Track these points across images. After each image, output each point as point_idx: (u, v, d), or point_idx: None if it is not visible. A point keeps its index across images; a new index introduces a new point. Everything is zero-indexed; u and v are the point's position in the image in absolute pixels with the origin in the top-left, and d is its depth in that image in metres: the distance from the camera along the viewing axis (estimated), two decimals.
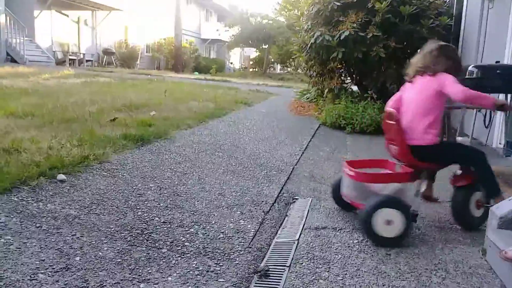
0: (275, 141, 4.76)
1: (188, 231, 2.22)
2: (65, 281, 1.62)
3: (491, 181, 2.40)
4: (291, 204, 2.93)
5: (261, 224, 2.48)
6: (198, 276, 1.82)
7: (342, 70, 7.59)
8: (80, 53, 16.59)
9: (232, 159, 3.71)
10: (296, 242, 2.25)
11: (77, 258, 1.79)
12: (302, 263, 2.00)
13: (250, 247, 2.16)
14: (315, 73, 7.84)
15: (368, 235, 2.27)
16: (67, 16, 16.42)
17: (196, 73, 20.11)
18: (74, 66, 14.82)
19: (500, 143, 4.39)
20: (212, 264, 1.93)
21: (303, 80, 14.19)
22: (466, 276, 1.94)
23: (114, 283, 1.67)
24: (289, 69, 26.62)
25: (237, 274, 1.88)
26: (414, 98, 2.48)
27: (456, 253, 2.19)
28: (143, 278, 1.74)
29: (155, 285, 1.71)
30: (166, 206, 2.49)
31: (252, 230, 2.36)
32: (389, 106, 2.60)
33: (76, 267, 1.73)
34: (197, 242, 2.12)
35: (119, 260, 1.85)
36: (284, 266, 1.98)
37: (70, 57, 15.76)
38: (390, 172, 2.57)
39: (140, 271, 1.79)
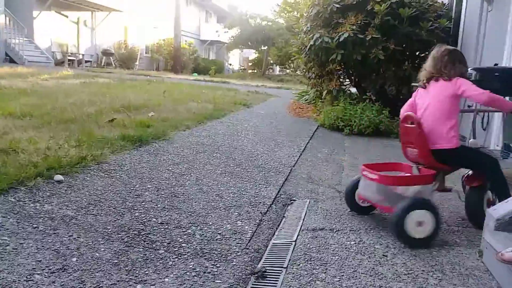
0: (273, 142, 4.76)
1: (186, 232, 2.22)
2: (62, 282, 1.62)
3: (503, 188, 2.44)
4: (289, 205, 2.93)
5: (259, 225, 2.48)
6: (195, 277, 1.81)
7: (341, 72, 7.61)
8: (79, 54, 16.59)
9: (230, 160, 3.71)
10: (293, 243, 2.26)
11: (74, 259, 1.79)
12: (299, 265, 2.00)
13: (247, 248, 2.16)
14: (314, 75, 7.86)
15: (400, 237, 2.28)
16: (67, 16, 16.42)
17: (195, 74, 20.12)
18: (73, 67, 14.81)
19: (497, 146, 4.40)
20: (209, 265, 1.93)
21: (302, 82, 14.21)
22: (462, 277, 1.94)
23: (111, 284, 1.67)
24: (288, 70, 26.64)
25: (234, 275, 1.88)
26: (432, 103, 2.53)
27: (452, 254, 2.19)
28: (140, 279, 1.74)
29: (152, 286, 1.71)
30: (164, 207, 2.49)
31: (250, 231, 2.36)
32: (402, 111, 2.66)
33: (72, 268, 1.73)
34: (194, 243, 2.12)
35: (116, 261, 1.84)
36: (281, 267, 1.98)
37: (69, 58, 15.76)
38: (416, 174, 2.58)
39: (137, 272, 1.79)
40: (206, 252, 2.05)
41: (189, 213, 2.47)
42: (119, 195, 2.53)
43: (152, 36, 22.17)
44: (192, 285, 1.75)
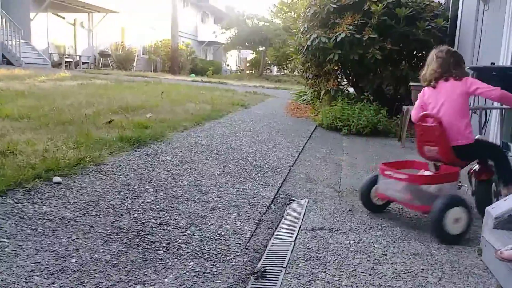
0: (272, 142, 4.77)
1: (185, 233, 2.22)
2: (61, 283, 1.62)
3: (509, 171, 2.59)
4: (288, 205, 2.93)
5: (258, 225, 2.48)
6: (195, 278, 1.81)
7: (339, 72, 7.62)
8: (77, 56, 16.57)
9: (228, 161, 3.71)
10: (292, 243, 2.26)
11: (73, 260, 1.78)
12: (298, 264, 2.00)
13: (247, 248, 2.16)
14: (312, 75, 7.87)
15: (439, 234, 2.33)
16: (64, 18, 16.39)
17: (193, 75, 20.11)
18: (71, 69, 14.79)
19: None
20: (208, 265, 1.93)
21: (299, 82, 14.24)
22: (462, 276, 1.95)
23: (110, 285, 1.66)
24: (285, 71, 26.69)
25: (233, 275, 1.88)
26: (446, 102, 2.60)
27: (452, 253, 2.19)
28: (139, 280, 1.74)
29: (151, 287, 1.70)
30: (162, 208, 2.48)
31: (249, 231, 2.36)
32: (417, 113, 2.74)
33: (72, 269, 1.72)
34: (193, 243, 2.12)
35: (115, 262, 1.84)
36: (281, 267, 1.98)
37: (66, 60, 15.73)
38: (444, 172, 2.63)
39: (136, 273, 1.79)
40: (206, 253, 2.04)
41: (188, 214, 2.46)
42: (118, 196, 2.53)
43: (150, 37, 22.16)
44: (191, 285, 1.75)
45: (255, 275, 1.89)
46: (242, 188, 3.07)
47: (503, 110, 3.54)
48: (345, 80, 7.92)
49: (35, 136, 3.30)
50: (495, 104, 3.21)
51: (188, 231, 2.24)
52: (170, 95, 7.37)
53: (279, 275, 1.90)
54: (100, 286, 1.64)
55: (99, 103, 5.46)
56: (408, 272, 1.96)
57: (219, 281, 1.81)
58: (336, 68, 7.32)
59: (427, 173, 2.69)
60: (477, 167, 2.76)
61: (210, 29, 27.82)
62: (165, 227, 2.24)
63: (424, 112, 2.66)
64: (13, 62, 13.17)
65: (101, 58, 18.17)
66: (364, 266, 2.00)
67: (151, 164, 3.20)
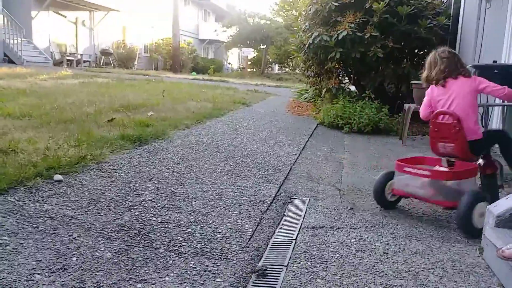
0: (273, 141, 4.76)
1: (186, 231, 2.22)
2: (62, 281, 1.62)
3: None
4: (289, 203, 2.93)
5: (259, 224, 2.48)
6: (196, 276, 1.81)
7: (340, 70, 7.60)
8: (78, 54, 16.57)
9: (229, 159, 3.70)
10: (293, 241, 2.25)
11: (74, 259, 1.78)
12: (299, 263, 2.00)
13: (248, 247, 2.16)
14: (313, 73, 7.85)
15: (467, 230, 2.39)
16: (65, 16, 16.39)
17: (194, 73, 20.11)
18: (72, 67, 14.79)
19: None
20: (209, 264, 1.93)
21: (301, 80, 14.20)
22: (463, 274, 1.94)
23: (111, 283, 1.67)
24: (287, 69, 26.64)
25: (234, 273, 1.88)
26: (456, 99, 2.68)
27: (453, 251, 2.19)
28: (140, 278, 1.74)
29: (152, 285, 1.70)
30: (164, 206, 2.48)
31: (250, 230, 2.36)
32: (426, 111, 2.85)
33: (73, 267, 1.72)
34: (194, 242, 2.12)
35: (116, 260, 1.84)
36: (282, 265, 1.98)
37: (68, 58, 15.74)
38: (468, 168, 2.67)
39: (137, 271, 1.79)
40: (207, 251, 2.04)
41: (189, 212, 2.46)
42: (119, 194, 2.53)
43: (151, 36, 22.15)
44: (192, 283, 1.75)
45: (256, 273, 1.89)
46: (243, 186, 3.07)
47: (505, 107, 3.58)
48: (346, 78, 7.90)
49: (36, 134, 3.30)
50: (498, 101, 3.25)
51: (189, 230, 2.24)
52: (172, 94, 7.37)
53: (280, 274, 1.90)
54: (101, 285, 1.64)
55: (100, 101, 5.46)
56: (409, 271, 1.95)
57: (220, 280, 1.81)
58: (337, 66, 7.30)
59: (442, 169, 2.73)
60: (481, 161, 2.80)
61: (212, 28, 27.79)
62: (166, 226, 2.24)
63: (441, 110, 2.71)
64: (15, 60, 13.18)
65: (103, 57, 18.17)
66: (365, 265, 1.99)
67: (152, 162, 3.20)
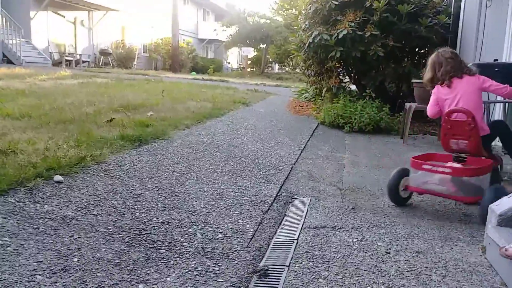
0: (274, 140, 4.75)
1: (187, 232, 2.21)
2: (63, 282, 1.61)
3: None
4: (290, 203, 2.92)
5: (260, 224, 2.47)
6: (197, 276, 1.80)
7: (341, 69, 7.59)
8: (77, 54, 16.55)
9: (230, 159, 3.69)
10: (295, 241, 2.24)
11: (75, 259, 1.78)
12: (301, 263, 1.99)
13: (249, 247, 2.15)
14: (313, 72, 7.84)
15: None
16: (64, 16, 16.37)
17: (194, 73, 20.09)
18: (71, 67, 14.77)
19: (499, 141, 4.39)
20: (211, 264, 1.92)
21: (301, 80, 14.18)
22: (466, 274, 1.94)
23: (113, 284, 1.66)
24: (287, 68, 26.63)
25: (236, 274, 1.87)
26: (463, 97, 2.78)
27: (456, 251, 2.18)
28: (142, 279, 1.73)
29: (153, 286, 1.70)
30: (164, 207, 2.47)
31: (251, 230, 2.35)
32: (433, 110, 2.95)
33: (74, 268, 1.71)
34: (195, 242, 2.11)
35: (117, 261, 1.83)
36: (284, 265, 1.97)
37: (67, 58, 15.72)
38: (486, 164, 2.72)
39: (139, 271, 1.78)
40: (208, 251, 2.03)
41: (190, 212, 2.45)
42: (119, 195, 2.52)
43: (150, 35, 22.12)
44: (194, 284, 1.74)
45: (258, 273, 1.88)
46: (244, 186, 3.06)
47: (506, 104, 3.62)
48: (347, 77, 7.88)
49: (36, 135, 3.29)
50: (499, 98, 3.31)
51: (190, 230, 2.23)
52: (171, 93, 7.35)
53: (281, 274, 1.89)
54: (102, 285, 1.64)
55: (100, 101, 5.45)
56: (412, 270, 1.95)
57: (222, 280, 1.80)
58: (338, 65, 7.29)
59: (456, 165, 2.78)
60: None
61: (211, 27, 27.74)
62: (167, 226, 2.23)
63: (454, 108, 2.78)
64: (14, 61, 13.16)
65: (102, 57, 18.15)
66: (367, 265, 1.98)
67: (152, 163, 3.19)
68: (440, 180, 2.70)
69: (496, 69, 3.61)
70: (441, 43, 6.08)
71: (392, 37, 6.31)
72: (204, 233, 2.22)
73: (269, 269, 1.93)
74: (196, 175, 3.12)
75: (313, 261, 2.00)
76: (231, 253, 2.05)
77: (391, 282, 1.83)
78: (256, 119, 6.00)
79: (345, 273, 1.90)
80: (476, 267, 2.01)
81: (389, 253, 2.13)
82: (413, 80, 5.49)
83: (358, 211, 2.77)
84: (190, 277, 1.79)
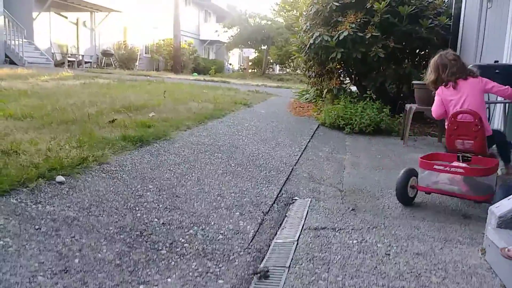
0: (274, 141, 4.76)
1: (188, 233, 2.22)
2: (64, 283, 1.62)
3: (508, 153, 3.05)
4: (290, 204, 2.93)
5: (261, 225, 2.48)
6: (198, 278, 1.81)
7: (341, 70, 7.60)
8: (79, 55, 16.60)
9: (231, 160, 3.70)
10: (295, 242, 2.25)
11: (76, 260, 1.79)
12: (301, 264, 2.00)
13: (250, 248, 2.16)
14: (314, 74, 7.85)
15: None
16: (66, 17, 16.43)
17: (195, 74, 20.12)
18: (73, 68, 14.81)
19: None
20: (211, 265, 1.93)
21: (302, 81, 14.21)
22: (465, 276, 1.94)
23: (114, 285, 1.67)
24: (288, 69, 26.64)
25: (236, 275, 1.88)
26: (468, 98, 2.86)
27: (455, 252, 2.19)
28: (143, 280, 1.74)
29: (154, 287, 1.71)
30: (165, 208, 2.49)
31: (252, 231, 2.36)
32: (439, 111, 3.00)
33: (75, 269, 1.72)
34: (196, 243, 2.12)
35: (119, 262, 1.84)
36: (284, 267, 1.98)
37: (69, 59, 15.77)
38: (493, 164, 2.79)
39: (140, 273, 1.79)
40: (209, 252, 2.04)
41: (191, 213, 2.47)
42: (121, 195, 2.53)
43: (152, 36, 22.18)
44: (195, 285, 1.75)
45: (258, 275, 1.89)
46: (244, 187, 3.07)
47: (506, 105, 3.65)
48: (347, 78, 7.89)
49: (38, 136, 3.30)
50: (499, 99, 3.37)
51: (191, 231, 2.24)
52: (173, 94, 7.37)
53: (282, 275, 1.90)
54: (103, 286, 1.65)
55: (102, 102, 5.47)
56: (412, 272, 1.95)
57: (222, 281, 1.81)
58: (338, 66, 7.29)
59: (463, 165, 2.82)
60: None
61: (212, 28, 27.79)
62: (168, 227, 2.25)
63: (462, 109, 2.84)
64: (16, 61, 13.21)
65: (104, 58, 18.20)
66: (367, 266, 1.99)
67: (154, 164, 3.20)
68: (450, 180, 2.76)
69: (496, 71, 3.62)
70: (441, 44, 6.08)
71: (393, 38, 6.32)
72: (204, 234, 2.23)
73: (270, 271, 1.93)
74: (197, 176, 3.13)
75: (313, 263, 2.01)
76: (231, 254, 2.06)
77: (391, 284, 1.84)
78: (257, 120, 6.02)
79: (345, 274, 1.91)
80: (475, 269, 2.01)
81: (389, 254, 2.13)
82: (414, 82, 5.49)
83: (358, 212, 2.78)
84: (190, 278, 1.80)
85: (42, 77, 8.38)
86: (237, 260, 2.01)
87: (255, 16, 24.70)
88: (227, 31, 25.28)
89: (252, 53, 27.60)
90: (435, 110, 3.05)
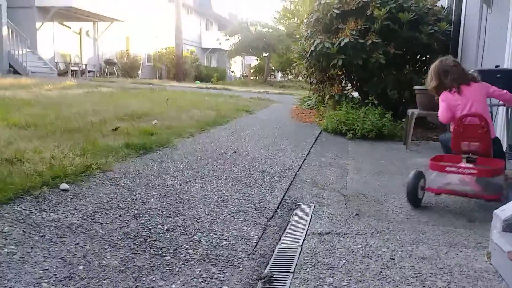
0: (277, 147, 4.77)
1: (191, 239, 2.22)
2: None
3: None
4: (294, 210, 2.92)
5: (264, 231, 2.47)
6: (202, 284, 1.81)
7: (343, 76, 7.62)
8: (82, 64, 16.75)
9: (234, 166, 3.71)
10: (299, 248, 2.25)
11: (81, 267, 1.79)
12: (306, 269, 1.99)
13: (254, 254, 2.15)
14: (316, 80, 7.87)
15: None
16: (69, 27, 16.61)
17: (198, 82, 20.22)
18: (76, 77, 14.93)
19: None
20: (215, 271, 1.93)
21: (303, 87, 14.24)
22: (471, 280, 1.93)
23: None
24: (289, 76, 26.78)
25: (241, 281, 1.87)
26: (473, 103, 2.94)
27: (461, 256, 2.17)
28: (147, 286, 1.74)
29: None
30: (169, 214, 2.49)
31: (256, 237, 2.35)
32: (447, 116, 3.06)
33: (79, 276, 1.73)
34: (200, 249, 2.12)
35: (123, 268, 1.84)
36: (288, 272, 1.97)
37: (72, 68, 15.91)
38: (501, 165, 2.88)
39: (144, 279, 1.79)
40: (213, 258, 2.04)
41: (195, 220, 2.47)
42: (125, 202, 2.54)
43: (154, 45, 22.36)
44: None
45: (263, 280, 1.89)
46: (248, 193, 3.07)
47: (509, 109, 3.66)
48: (349, 84, 7.91)
49: (42, 144, 3.33)
50: (500, 103, 3.40)
51: (195, 237, 2.24)
52: (175, 102, 7.41)
53: (286, 280, 1.89)
54: None
55: (105, 110, 5.50)
56: (417, 277, 1.94)
57: (227, 287, 1.81)
58: (340, 73, 7.32)
59: (470, 165, 2.88)
60: None
61: (214, 36, 28.01)
62: (172, 233, 2.25)
63: (469, 112, 2.91)
64: (20, 71, 13.33)
65: (107, 66, 18.35)
66: (372, 271, 1.98)
67: (157, 170, 3.21)
68: (461, 181, 2.83)
69: (497, 76, 3.63)
70: (442, 50, 6.11)
71: (394, 44, 6.34)
72: (208, 240, 2.23)
73: (274, 276, 1.93)
74: (200, 182, 3.13)
75: (317, 268, 2.00)
76: (235, 260, 2.05)
77: None
78: (259, 126, 6.03)
79: (350, 279, 1.90)
80: (481, 273, 2.00)
81: (393, 259, 2.12)
82: (415, 87, 5.50)
83: (362, 217, 2.77)
84: (195, 284, 1.79)
85: (46, 86, 8.45)
86: (241, 266, 2.00)
87: (256, 24, 24.89)
88: (228, 39, 25.47)
89: (253, 61, 27.78)
90: (442, 115, 3.11)
